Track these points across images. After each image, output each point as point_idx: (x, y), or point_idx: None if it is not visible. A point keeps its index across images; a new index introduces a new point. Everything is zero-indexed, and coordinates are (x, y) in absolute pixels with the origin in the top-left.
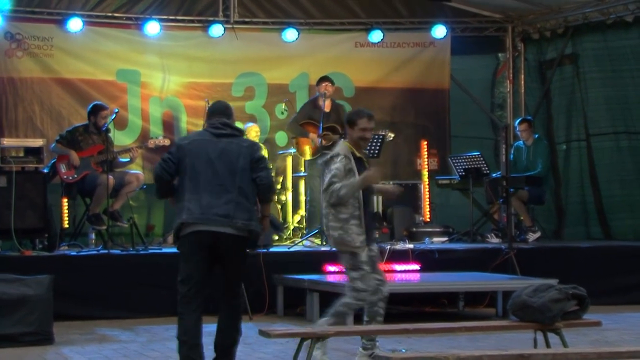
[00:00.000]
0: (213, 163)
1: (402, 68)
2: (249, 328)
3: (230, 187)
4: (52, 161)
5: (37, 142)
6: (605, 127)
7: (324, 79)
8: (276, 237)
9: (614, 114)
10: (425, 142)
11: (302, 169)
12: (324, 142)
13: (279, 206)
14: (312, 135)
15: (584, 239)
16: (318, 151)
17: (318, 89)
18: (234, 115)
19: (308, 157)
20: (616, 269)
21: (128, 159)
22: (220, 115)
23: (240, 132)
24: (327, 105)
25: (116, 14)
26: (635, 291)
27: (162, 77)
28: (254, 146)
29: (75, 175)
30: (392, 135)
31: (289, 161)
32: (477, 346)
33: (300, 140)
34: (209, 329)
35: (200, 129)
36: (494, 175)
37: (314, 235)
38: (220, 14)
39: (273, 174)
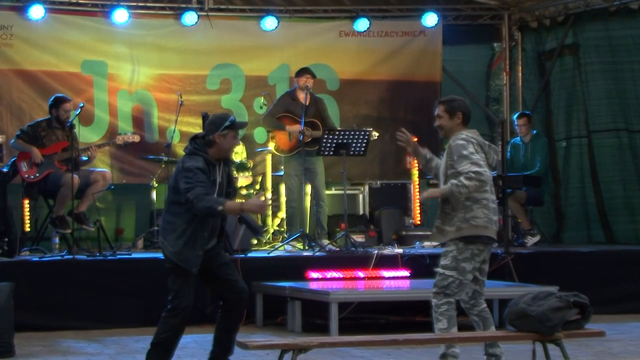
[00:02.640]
0: None
1: (390, 59)
2: None
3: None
4: (12, 159)
5: None
6: (606, 123)
7: (305, 70)
8: (255, 242)
9: (614, 109)
10: (415, 139)
11: (283, 167)
12: (305, 138)
13: None
14: (290, 127)
15: (585, 243)
16: (297, 147)
17: (297, 81)
18: (212, 123)
19: (285, 153)
20: (620, 276)
21: (86, 158)
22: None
23: (190, 152)
24: (305, 98)
25: (81, 1)
26: None
27: (131, 69)
28: (180, 161)
29: (37, 174)
30: (377, 134)
31: (269, 159)
32: (471, 358)
33: (277, 134)
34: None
35: (172, 125)
36: None
37: (296, 240)
38: (194, 0)
39: (250, 174)
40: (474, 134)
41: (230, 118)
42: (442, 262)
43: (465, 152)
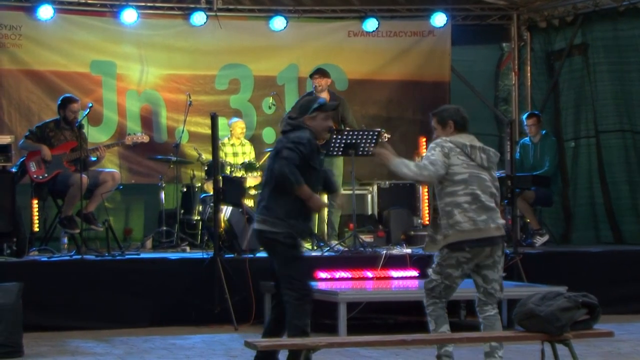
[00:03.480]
0: None
1: (399, 59)
2: (234, 339)
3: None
4: (21, 159)
5: (5, 139)
6: (614, 123)
7: (315, 72)
8: None
9: (620, 110)
10: (424, 139)
11: None
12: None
13: None
14: None
15: (593, 244)
16: None
17: (313, 83)
18: (302, 106)
19: None
20: (629, 276)
21: (95, 159)
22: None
23: (295, 127)
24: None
25: (90, 1)
26: None
27: (139, 69)
28: (280, 141)
29: (46, 175)
30: (388, 136)
31: None
32: (479, 358)
33: None
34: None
35: (180, 125)
36: (498, 174)
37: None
38: (203, 1)
39: (258, 174)
40: (459, 138)
41: (319, 99)
42: (431, 265)
43: (427, 153)
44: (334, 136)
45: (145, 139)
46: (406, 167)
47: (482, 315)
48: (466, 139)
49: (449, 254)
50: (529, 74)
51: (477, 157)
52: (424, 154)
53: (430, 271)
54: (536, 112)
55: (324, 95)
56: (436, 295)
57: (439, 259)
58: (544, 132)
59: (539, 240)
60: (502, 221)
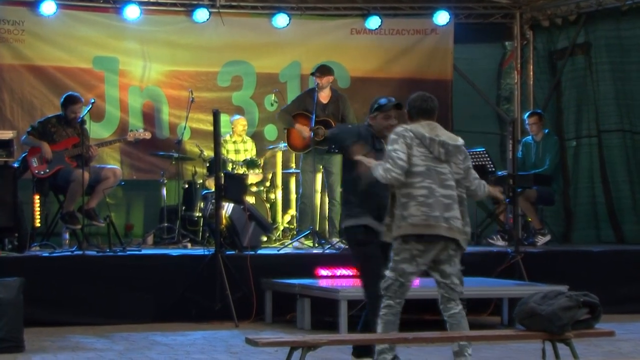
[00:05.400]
0: None
1: (402, 57)
2: (234, 336)
3: None
4: (23, 155)
5: (7, 134)
6: (615, 123)
7: (316, 69)
8: (265, 239)
9: (621, 110)
10: None
11: (293, 165)
12: (315, 137)
13: (268, 205)
14: (299, 126)
15: (594, 243)
16: (309, 146)
17: (314, 81)
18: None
19: (298, 150)
20: (630, 275)
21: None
22: None
23: None
24: (324, 97)
25: None
26: None
27: (142, 65)
28: None
29: (48, 170)
30: None
31: (279, 157)
32: (480, 357)
33: (292, 131)
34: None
35: (182, 121)
36: (500, 173)
37: (305, 237)
38: None
39: (260, 171)
40: (420, 128)
41: (379, 100)
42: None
43: (389, 148)
44: None
45: (147, 135)
46: (380, 168)
47: (446, 313)
48: (426, 128)
49: (402, 245)
50: (531, 73)
51: (435, 150)
52: (391, 146)
53: (386, 271)
54: (538, 111)
55: (326, 93)
56: (391, 294)
57: (393, 254)
58: (546, 131)
59: (541, 240)
60: (458, 223)
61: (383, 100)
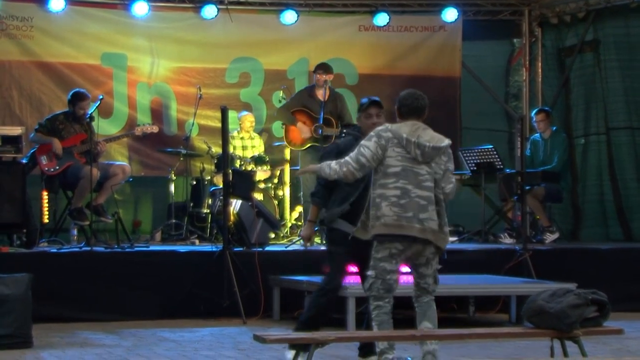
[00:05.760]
0: None
1: (410, 54)
2: (242, 332)
3: None
4: (32, 151)
5: (15, 131)
6: (624, 120)
7: (319, 67)
8: (272, 235)
9: (630, 107)
10: None
11: (300, 161)
12: (314, 134)
13: (276, 202)
14: (300, 124)
15: (603, 241)
16: (307, 142)
17: (314, 77)
18: None
19: (297, 147)
20: (639, 273)
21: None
22: None
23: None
24: (324, 95)
25: None
26: None
27: (150, 62)
28: None
29: (57, 167)
30: None
31: (287, 153)
32: (488, 354)
33: (291, 128)
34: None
35: (191, 118)
36: (508, 170)
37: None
38: None
39: (268, 167)
40: (401, 127)
41: (361, 101)
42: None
43: (361, 143)
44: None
45: (155, 129)
46: (328, 167)
47: (416, 303)
48: (408, 129)
49: (380, 245)
50: (539, 70)
51: (411, 151)
52: (363, 141)
53: (368, 271)
54: (545, 108)
55: (325, 90)
56: (376, 294)
57: (373, 252)
58: (554, 128)
59: (549, 237)
60: (432, 224)
61: (363, 100)
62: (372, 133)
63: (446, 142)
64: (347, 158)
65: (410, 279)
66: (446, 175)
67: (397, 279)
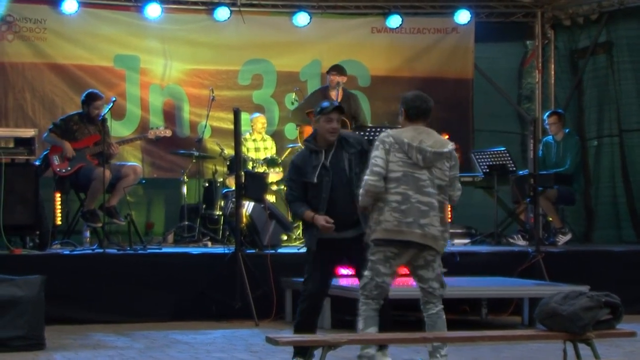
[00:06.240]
0: None
1: (422, 56)
2: (255, 334)
3: None
4: (44, 153)
5: (28, 132)
6: (637, 122)
7: (332, 68)
8: (285, 237)
9: None
10: (447, 136)
11: None
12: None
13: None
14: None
15: (615, 243)
16: None
17: (328, 79)
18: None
19: None
20: None
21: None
22: None
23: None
24: (336, 96)
25: None
26: None
27: (163, 64)
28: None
29: (69, 168)
30: None
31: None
32: (501, 357)
33: (305, 129)
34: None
35: (203, 120)
36: (520, 172)
37: None
38: None
39: (280, 169)
40: (404, 132)
41: (322, 104)
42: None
43: (371, 154)
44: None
45: (168, 133)
46: (360, 196)
47: (425, 313)
48: (410, 134)
49: (376, 248)
50: (552, 72)
51: (413, 156)
52: (372, 154)
53: (365, 271)
54: (558, 111)
55: (338, 92)
56: (368, 294)
57: (369, 254)
58: (567, 130)
59: (562, 239)
60: (433, 230)
61: (325, 104)
62: (376, 142)
63: (449, 147)
64: (365, 177)
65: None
66: (454, 183)
67: (391, 282)
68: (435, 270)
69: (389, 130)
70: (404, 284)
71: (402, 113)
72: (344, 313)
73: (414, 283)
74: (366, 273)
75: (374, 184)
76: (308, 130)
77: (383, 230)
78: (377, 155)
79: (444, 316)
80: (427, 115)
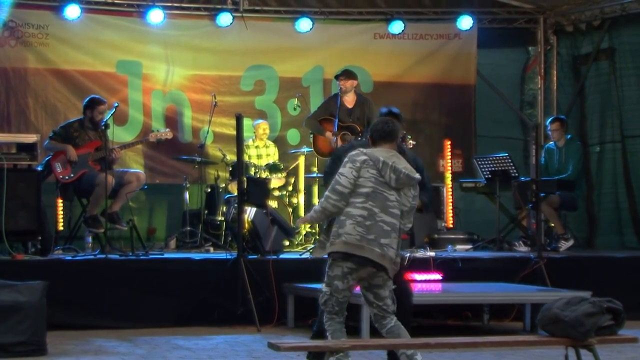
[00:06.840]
0: None
1: (425, 62)
2: (257, 340)
3: None
4: (47, 158)
5: (31, 138)
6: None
7: (340, 74)
8: (287, 243)
9: None
10: (449, 142)
11: (315, 169)
12: (339, 142)
13: (290, 209)
14: (328, 133)
15: (618, 248)
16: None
17: (338, 84)
18: None
19: (326, 156)
20: None
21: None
22: None
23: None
24: (349, 101)
25: (117, 1)
26: None
27: (165, 69)
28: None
29: (72, 175)
30: (413, 143)
31: (302, 161)
32: None
33: (319, 137)
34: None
35: (205, 125)
36: (523, 178)
37: None
38: (229, 1)
39: (282, 175)
40: (377, 152)
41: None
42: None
43: (338, 172)
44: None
45: (169, 135)
46: (314, 211)
47: (383, 330)
48: (384, 153)
49: (334, 262)
50: (555, 78)
51: (386, 174)
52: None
53: (322, 285)
54: (560, 117)
55: (350, 97)
56: (330, 309)
57: (327, 268)
58: (569, 136)
59: (564, 245)
60: (391, 252)
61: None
62: (346, 159)
63: (418, 176)
64: (326, 192)
65: (423, 287)
66: (409, 214)
67: (349, 297)
68: (389, 287)
69: (361, 149)
70: (425, 289)
71: (368, 140)
72: (346, 319)
73: (416, 289)
74: (325, 289)
75: (334, 203)
76: (321, 138)
77: (343, 243)
78: (343, 173)
79: (400, 323)
80: (392, 137)
